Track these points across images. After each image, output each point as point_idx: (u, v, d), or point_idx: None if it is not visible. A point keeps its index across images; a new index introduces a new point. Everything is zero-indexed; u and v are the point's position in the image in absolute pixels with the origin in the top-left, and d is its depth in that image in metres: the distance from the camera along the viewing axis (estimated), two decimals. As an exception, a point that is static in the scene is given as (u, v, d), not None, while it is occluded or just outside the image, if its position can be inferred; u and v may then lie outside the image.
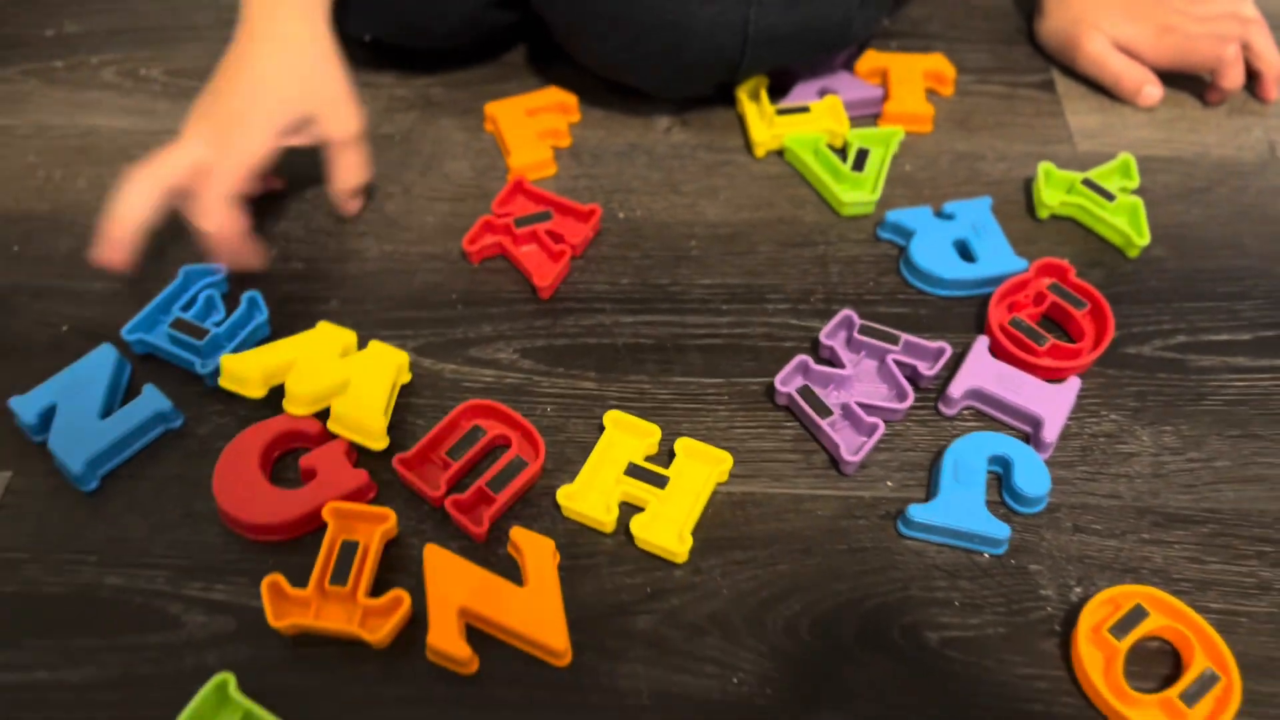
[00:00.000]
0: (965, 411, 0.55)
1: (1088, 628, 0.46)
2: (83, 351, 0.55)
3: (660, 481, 0.50)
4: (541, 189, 0.64)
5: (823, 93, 0.71)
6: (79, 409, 0.52)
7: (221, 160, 0.56)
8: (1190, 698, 0.44)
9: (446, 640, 0.45)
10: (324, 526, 0.48)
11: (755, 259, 0.62)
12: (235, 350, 0.55)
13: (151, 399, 0.53)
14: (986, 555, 0.49)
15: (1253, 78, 0.72)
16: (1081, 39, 0.72)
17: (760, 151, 0.68)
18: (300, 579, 0.47)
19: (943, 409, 0.54)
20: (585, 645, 0.46)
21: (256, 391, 0.53)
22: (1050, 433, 0.52)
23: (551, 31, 0.69)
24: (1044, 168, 0.64)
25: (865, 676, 0.46)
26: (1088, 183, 0.63)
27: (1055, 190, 0.64)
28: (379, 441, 0.52)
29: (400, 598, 0.46)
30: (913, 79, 0.71)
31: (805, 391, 0.54)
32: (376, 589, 0.47)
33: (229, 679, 0.43)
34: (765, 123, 0.68)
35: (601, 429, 0.53)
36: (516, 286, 0.61)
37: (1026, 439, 0.53)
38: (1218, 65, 0.70)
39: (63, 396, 0.53)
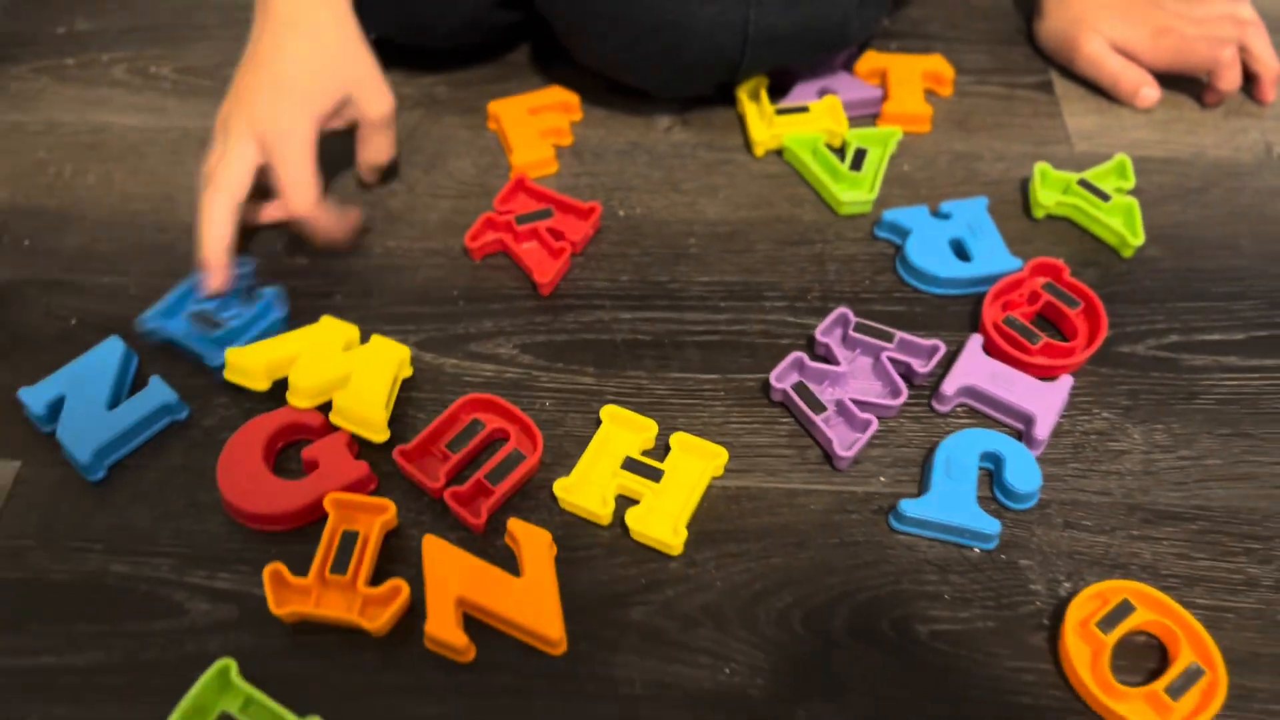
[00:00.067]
0: (958, 409, 0.55)
1: (1075, 622, 0.46)
2: (91, 344, 0.56)
3: (656, 475, 0.51)
4: (543, 187, 0.65)
5: (822, 93, 0.71)
6: (87, 400, 0.53)
7: (282, 149, 0.56)
8: (1175, 691, 0.44)
9: (444, 629, 0.46)
10: (325, 517, 0.49)
11: (753, 257, 0.63)
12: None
13: (158, 391, 0.54)
14: (977, 550, 0.50)
15: (1250, 79, 0.72)
16: (1080, 40, 0.72)
17: (760, 151, 0.69)
18: (301, 568, 0.48)
19: (936, 406, 0.55)
20: (581, 635, 0.47)
21: (260, 384, 0.54)
22: (1042, 430, 0.53)
23: (554, 31, 0.70)
24: (1040, 168, 0.64)
25: (855, 668, 0.46)
26: (1083, 183, 0.64)
27: (1051, 190, 0.65)
28: (380, 434, 0.53)
29: (399, 587, 0.47)
30: (912, 79, 0.72)
31: (800, 388, 0.54)
32: (376, 578, 0.48)
33: (231, 665, 0.44)
34: (765, 122, 0.69)
35: (599, 423, 0.54)
36: (517, 283, 0.62)
37: (1019, 436, 0.54)
38: (1215, 67, 0.70)
39: (71, 388, 0.54)
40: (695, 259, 0.63)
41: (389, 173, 0.67)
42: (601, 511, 0.50)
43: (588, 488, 0.51)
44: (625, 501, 0.51)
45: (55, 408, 0.53)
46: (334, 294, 0.61)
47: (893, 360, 0.55)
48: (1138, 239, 0.62)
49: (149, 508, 0.51)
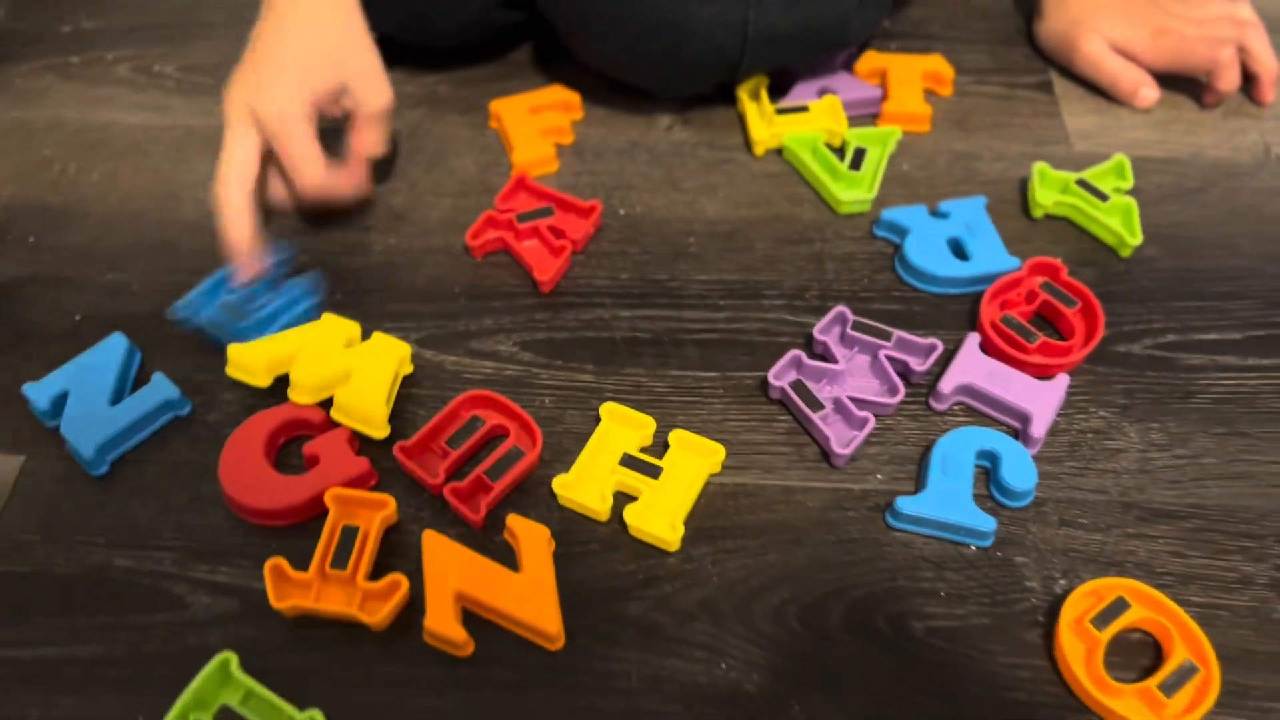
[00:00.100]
0: (956, 407, 0.56)
1: (1070, 619, 0.47)
2: (95, 340, 0.56)
3: (654, 472, 0.51)
4: (544, 185, 0.65)
5: (822, 92, 0.72)
6: (90, 396, 0.54)
7: (281, 127, 0.56)
8: (1169, 688, 0.44)
9: (443, 623, 0.46)
10: (326, 512, 0.50)
11: (752, 255, 0.63)
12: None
13: (160, 387, 0.54)
14: (973, 547, 0.50)
15: (1249, 80, 0.72)
16: (1079, 41, 0.72)
17: (759, 150, 0.69)
18: (302, 562, 0.48)
19: (933, 404, 0.55)
20: (578, 630, 0.47)
21: (262, 380, 0.54)
22: (1039, 428, 0.53)
23: (555, 31, 0.70)
24: (1039, 168, 0.65)
25: (851, 664, 0.47)
26: (1082, 183, 0.64)
27: (1049, 190, 0.65)
28: (380, 430, 0.53)
29: (398, 581, 0.47)
30: (911, 79, 0.72)
31: (798, 386, 0.55)
32: (376, 573, 0.48)
33: (231, 658, 0.45)
34: (765, 121, 0.69)
35: (598, 420, 0.54)
36: (518, 281, 0.62)
37: (1015, 434, 0.54)
38: (1214, 68, 0.70)
39: (75, 383, 0.54)
40: (695, 257, 0.63)
41: (387, 171, 0.68)
42: (600, 508, 0.50)
43: (586, 484, 0.51)
44: (623, 498, 0.52)
45: (59, 403, 0.54)
46: (335, 291, 0.61)
47: (890, 359, 0.56)
48: (1135, 239, 0.62)
49: (151, 502, 0.52)
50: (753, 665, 0.46)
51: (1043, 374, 0.56)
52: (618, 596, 0.49)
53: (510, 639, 0.47)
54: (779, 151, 0.69)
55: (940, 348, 0.56)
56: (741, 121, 0.71)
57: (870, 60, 0.73)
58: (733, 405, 0.56)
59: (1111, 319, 0.58)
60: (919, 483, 0.52)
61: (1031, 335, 0.56)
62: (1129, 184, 0.65)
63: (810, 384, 0.55)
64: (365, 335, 0.57)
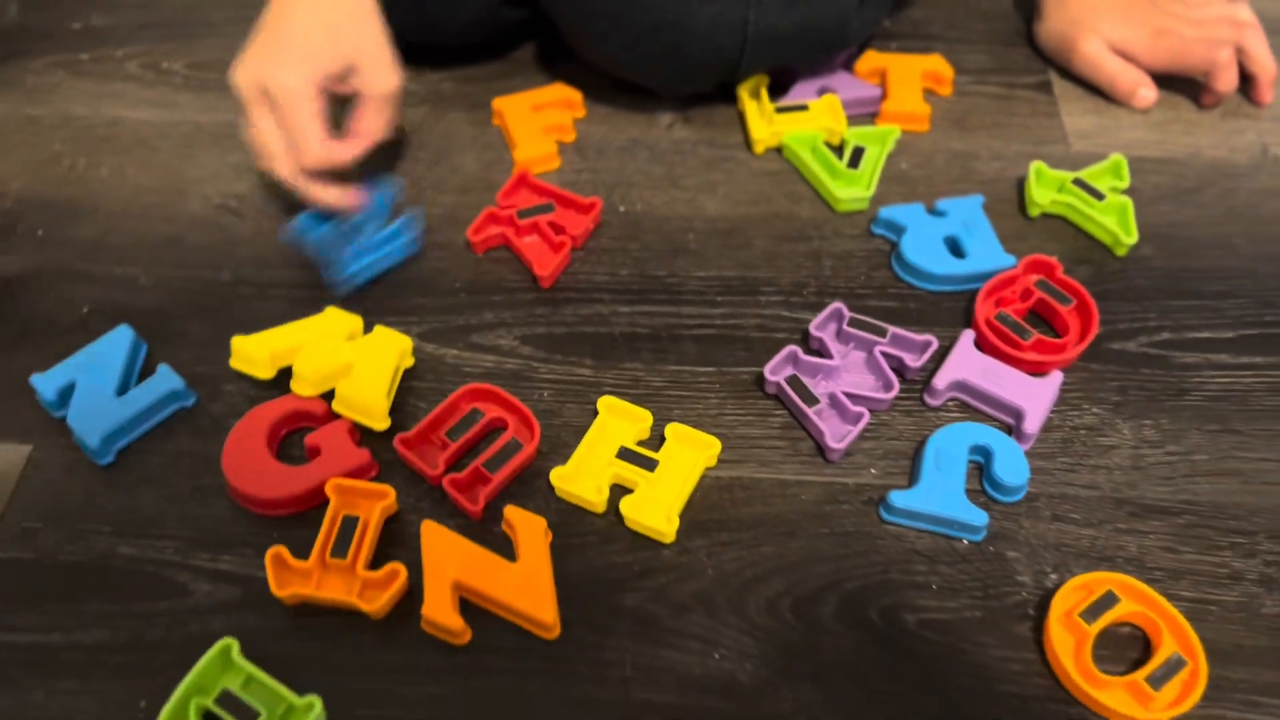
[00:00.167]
0: (950, 403, 0.56)
1: (1060, 612, 0.47)
2: (103, 332, 0.57)
3: (650, 465, 0.52)
4: (545, 182, 0.66)
5: (822, 92, 0.72)
6: (97, 387, 0.54)
7: (285, 100, 0.56)
8: (1156, 681, 0.45)
9: (441, 612, 0.47)
10: (326, 502, 0.51)
11: (751, 252, 0.64)
12: (376, 262, 0.61)
13: (165, 378, 0.55)
14: (965, 541, 0.51)
15: (1247, 81, 0.72)
16: (1078, 41, 0.73)
17: (759, 148, 0.69)
18: (303, 551, 0.49)
19: (928, 400, 0.56)
20: (574, 620, 0.48)
21: (265, 372, 0.55)
22: (1032, 425, 0.53)
23: (557, 30, 0.71)
24: (1035, 167, 0.65)
25: (843, 655, 0.47)
26: (1078, 182, 0.64)
27: (1046, 189, 0.65)
28: (381, 422, 0.54)
29: (397, 571, 0.48)
30: (911, 79, 0.72)
31: (794, 381, 0.55)
32: (375, 562, 0.49)
33: (233, 644, 0.46)
34: (765, 120, 0.70)
35: (596, 414, 0.55)
36: (518, 276, 0.63)
37: (1009, 430, 0.55)
38: (1212, 69, 0.70)
39: (81, 374, 0.55)
40: (694, 254, 0.64)
41: (390, 167, 0.68)
42: (597, 500, 0.51)
43: (583, 476, 0.52)
44: (620, 490, 0.52)
45: (66, 394, 0.55)
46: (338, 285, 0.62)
47: (885, 355, 0.56)
48: (1131, 237, 0.62)
49: (156, 491, 0.53)
50: (746, 656, 0.47)
51: (1037, 371, 0.56)
52: (614, 587, 0.49)
53: (507, 628, 0.48)
54: (778, 150, 0.70)
55: (935, 344, 0.56)
56: (741, 120, 0.72)
57: (870, 60, 0.74)
58: (729, 400, 0.56)
59: (1106, 317, 0.59)
60: (912, 477, 0.53)
61: (1026, 332, 0.57)
62: (1125, 183, 0.66)
63: (806, 379, 0.55)
64: (367, 328, 0.58)
